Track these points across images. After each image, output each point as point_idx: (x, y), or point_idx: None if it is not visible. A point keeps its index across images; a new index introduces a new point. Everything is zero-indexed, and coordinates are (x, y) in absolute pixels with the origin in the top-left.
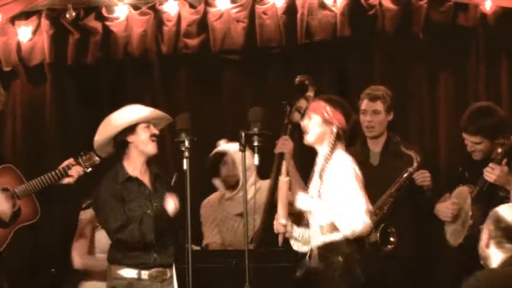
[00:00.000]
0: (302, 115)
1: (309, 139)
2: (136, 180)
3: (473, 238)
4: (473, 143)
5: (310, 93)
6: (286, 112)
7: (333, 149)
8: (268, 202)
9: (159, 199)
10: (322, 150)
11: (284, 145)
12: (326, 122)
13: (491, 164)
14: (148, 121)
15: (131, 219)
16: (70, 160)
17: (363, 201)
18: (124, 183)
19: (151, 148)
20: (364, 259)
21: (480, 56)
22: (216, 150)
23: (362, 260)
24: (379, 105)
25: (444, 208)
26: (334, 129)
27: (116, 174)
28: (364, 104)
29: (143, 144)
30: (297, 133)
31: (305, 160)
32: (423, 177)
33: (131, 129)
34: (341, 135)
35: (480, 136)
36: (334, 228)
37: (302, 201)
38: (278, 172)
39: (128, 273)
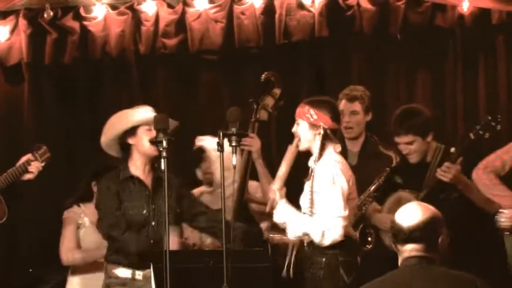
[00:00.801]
0: (269, 113)
1: (302, 146)
2: (136, 179)
3: None
4: (406, 145)
5: (276, 91)
6: (253, 110)
7: (321, 151)
8: (237, 201)
9: (158, 201)
10: (314, 153)
11: (251, 143)
12: (313, 125)
13: (446, 164)
14: (149, 124)
15: (128, 221)
16: (28, 156)
17: (341, 208)
18: (123, 182)
19: (151, 151)
20: (352, 259)
21: (457, 57)
22: (197, 145)
23: (347, 261)
24: (357, 106)
25: (387, 220)
26: (321, 131)
27: (117, 173)
28: (342, 104)
29: (143, 146)
30: (264, 130)
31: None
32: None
33: (132, 131)
34: (330, 135)
35: (412, 134)
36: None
37: (281, 215)
38: (246, 170)
39: (123, 272)
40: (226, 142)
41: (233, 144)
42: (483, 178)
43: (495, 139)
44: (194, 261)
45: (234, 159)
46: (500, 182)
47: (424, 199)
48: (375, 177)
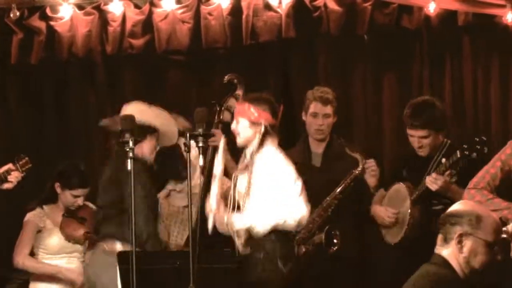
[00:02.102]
0: (232, 114)
1: (239, 142)
2: None
3: (409, 238)
4: (421, 138)
5: (239, 92)
6: (216, 111)
7: (260, 145)
8: (201, 200)
9: None
10: (250, 147)
11: (216, 139)
12: (254, 123)
13: (433, 174)
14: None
15: None
16: (9, 165)
17: (295, 189)
18: None
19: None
20: (291, 254)
21: (423, 58)
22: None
23: (286, 255)
24: (329, 109)
25: (382, 214)
26: (262, 129)
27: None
28: (316, 107)
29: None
30: (228, 131)
31: None
32: (372, 167)
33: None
34: (270, 131)
35: (428, 129)
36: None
37: (238, 221)
38: (211, 169)
39: None
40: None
41: (200, 144)
42: (476, 196)
43: None
44: (161, 262)
45: (201, 160)
46: (495, 195)
47: (416, 200)
48: (340, 178)
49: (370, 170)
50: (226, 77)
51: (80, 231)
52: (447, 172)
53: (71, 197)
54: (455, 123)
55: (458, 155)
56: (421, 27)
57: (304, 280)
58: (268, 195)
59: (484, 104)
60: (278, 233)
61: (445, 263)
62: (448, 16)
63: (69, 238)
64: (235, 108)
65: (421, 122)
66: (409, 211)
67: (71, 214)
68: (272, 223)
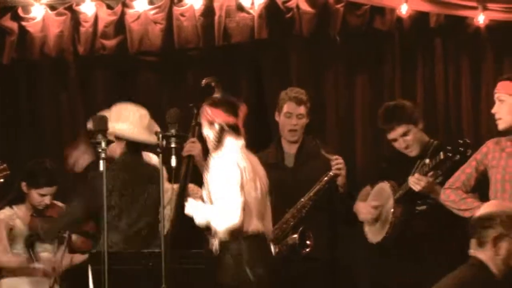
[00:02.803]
0: None
1: (208, 145)
2: None
3: (392, 238)
4: (402, 137)
5: (217, 95)
6: (193, 114)
7: (219, 144)
8: (177, 205)
9: None
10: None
11: (192, 147)
12: (210, 124)
13: (416, 175)
14: None
15: None
16: None
17: (236, 195)
18: None
19: None
20: (260, 258)
21: (396, 59)
22: None
23: (255, 259)
24: (303, 109)
25: (365, 210)
26: (217, 127)
27: None
28: (290, 107)
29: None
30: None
31: None
32: (337, 164)
33: None
34: (227, 129)
35: (404, 124)
36: None
37: (189, 206)
38: (187, 175)
39: None
40: None
41: (172, 145)
42: (451, 195)
43: None
44: (133, 262)
45: (173, 161)
46: (468, 195)
47: (399, 199)
48: (313, 179)
49: (335, 168)
50: (203, 80)
51: None
52: (430, 173)
53: (38, 196)
54: (458, 147)
55: (442, 157)
56: (393, 28)
57: (276, 281)
58: (212, 196)
59: (455, 105)
60: (244, 237)
61: (482, 266)
62: (420, 17)
63: None
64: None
65: (395, 119)
66: (392, 210)
67: (39, 213)
68: (213, 224)
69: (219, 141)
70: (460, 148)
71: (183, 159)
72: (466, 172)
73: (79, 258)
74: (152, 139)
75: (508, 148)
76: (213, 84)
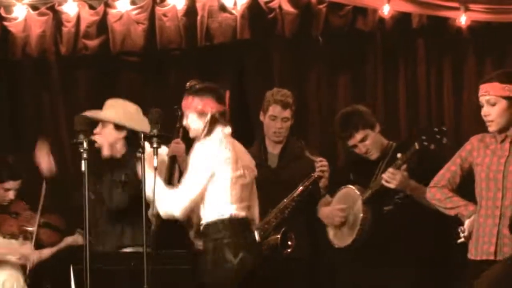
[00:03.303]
0: None
1: (191, 135)
2: None
3: (362, 240)
4: (361, 142)
5: (196, 84)
6: (178, 116)
7: (208, 133)
8: None
9: None
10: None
11: (176, 148)
12: (201, 114)
13: (390, 169)
14: None
15: None
16: None
17: (194, 189)
18: None
19: None
20: (237, 240)
21: (378, 60)
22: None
23: (232, 242)
24: (288, 113)
25: (331, 214)
26: (208, 117)
27: None
28: (276, 110)
29: None
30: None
31: None
32: (321, 166)
33: None
34: (218, 118)
35: (362, 129)
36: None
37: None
38: (171, 175)
39: None
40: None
41: (154, 145)
42: (436, 193)
43: None
44: (115, 263)
45: (155, 161)
46: (454, 194)
47: (368, 199)
48: (296, 179)
49: (319, 169)
50: (188, 83)
51: (15, 226)
52: (404, 167)
53: (2, 190)
54: (435, 134)
55: (417, 147)
56: (375, 29)
57: (257, 280)
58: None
59: (437, 105)
60: (225, 221)
61: None
62: (402, 18)
63: (4, 234)
64: (182, 103)
65: (352, 126)
66: (361, 212)
67: (3, 209)
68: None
69: (209, 131)
70: (436, 136)
71: (168, 160)
72: (451, 170)
73: (47, 252)
74: (141, 127)
75: (492, 145)
76: (197, 86)
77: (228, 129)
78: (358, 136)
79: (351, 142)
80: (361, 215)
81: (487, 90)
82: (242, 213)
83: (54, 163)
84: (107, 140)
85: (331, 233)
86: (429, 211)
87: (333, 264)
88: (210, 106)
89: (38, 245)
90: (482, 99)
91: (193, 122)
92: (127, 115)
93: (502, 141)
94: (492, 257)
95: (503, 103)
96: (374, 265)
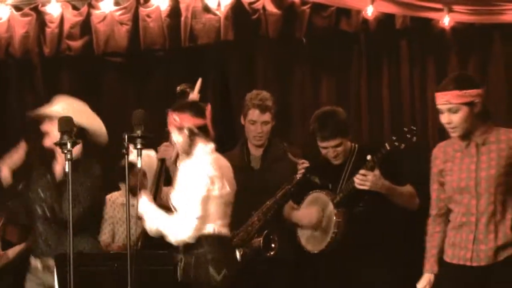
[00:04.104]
0: None
1: (179, 152)
2: None
3: (335, 243)
4: (335, 148)
5: (181, 100)
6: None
7: (187, 151)
8: None
9: None
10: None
11: (166, 151)
12: (180, 129)
13: (362, 171)
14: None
15: None
16: None
17: (197, 209)
18: None
19: None
20: (222, 257)
21: (361, 61)
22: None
23: (215, 258)
24: (268, 116)
25: (304, 215)
26: (186, 131)
27: None
28: (254, 114)
29: None
30: None
31: None
32: (304, 168)
33: None
34: (196, 132)
35: (339, 137)
36: None
37: (141, 204)
38: (160, 178)
39: None
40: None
41: (138, 147)
42: (429, 226)
43: None
44: (99, 263)
45: (139, 162)
46: (439, 232)
47: (339, 203)
48: (279, 181)
49: (301, 172)
50: (178, 87)
51: None
52: (376, 169)
53: None
54: (405, 134)
55: (388, 147)
56: (359, 30)
57: (240, 282)
58: (175, 203)
59: (421, 106)
60: (208, 237)
61: None
62: (386, 19)
63: None
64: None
65: (331, 132)
66: (334, 216)
67: None
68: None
69: (190, 145)
70: (407, 135)
71: (157, 163)
72: (434, 189)
73: (15, 251)
74: (91, 125)
75: (458, 152)
76: (188, 90)
77: (210, 145)
78: (333, 142)
79: (323, 144)
80: (335, 219)
81: (448, 100)
82: (225, 230)
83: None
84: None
85: (303, 239)
86: (401, 209)
87: (317, 266)
88: (186, 121)
89: (4, 245)
90: (443, 107)
91: (175, 137)
92: (75, 111)
93: (467, 145)
94: (468, 263)
95: (465, 110)
96: (349, 267)
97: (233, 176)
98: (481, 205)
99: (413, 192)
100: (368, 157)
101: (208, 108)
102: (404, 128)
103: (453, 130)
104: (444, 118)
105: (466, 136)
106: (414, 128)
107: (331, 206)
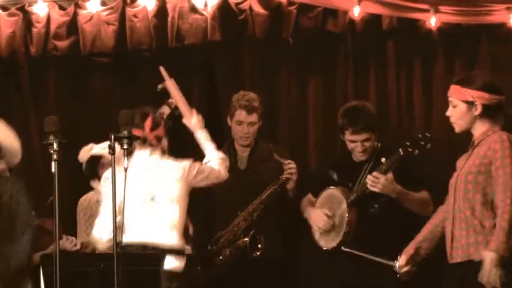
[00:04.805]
0: (165, 121)
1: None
2: None
3: (347, 242)
4: (363, 142)
5: (173, 100)
6: (163, 120)
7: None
8: None
9: None
10: None
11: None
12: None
13: (374, 173)
14: None
15: None
16: None
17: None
18: None
19: None
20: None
21: (348, 61)
22: (91, 153)
23: (170, 273)
24: (254, 117)
25: (319, 219)
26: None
27: None
28: (241, 115)
29: None
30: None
31: None
32: (290, 168)
33: None
34: (138, 141)
35: (370, 132)
36: None
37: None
38: None
39: None
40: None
41: (125, 147)
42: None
43: None
44: (85, 264)
45: (125, 162)
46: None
47: (353, 202)
48: (265, 181)
49: (287, 172)
50: (159, 85)
51: None
52: (390, 172)
53: None
54: (419, 140)
55: (401, 153)
56: (346, 30)
57: (227, 281)
58: None
59: (407, 107)
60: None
61: None
62: (372, 20)
63: None
64: None
65: (362, 125)
66: (347, 214)
67: None
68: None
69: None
70: (421, 142)
71: None
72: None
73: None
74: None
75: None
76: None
77: (143, 149)
78: (364, 135)
79: (352, 138)
80: (347, 217)
81: (451, 92)
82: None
83: None
84: None
85: (317, 234)
86: (413, 214)
87: (307, 265)
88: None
89: None
90: (449, 100)
91: None
92: None
93: (471, 146)
94: (450, 260)
95: (462, 106)
96: (361, 265)
97: None
98: (457, 201)
99: (427, 199)
100: (383, 159)
101: (149, 118)
102: (418, 135)
103: (453, 125)
104: (448, 111)
105: (465, 134)
106: (428, 135)
107: (344, 205)
